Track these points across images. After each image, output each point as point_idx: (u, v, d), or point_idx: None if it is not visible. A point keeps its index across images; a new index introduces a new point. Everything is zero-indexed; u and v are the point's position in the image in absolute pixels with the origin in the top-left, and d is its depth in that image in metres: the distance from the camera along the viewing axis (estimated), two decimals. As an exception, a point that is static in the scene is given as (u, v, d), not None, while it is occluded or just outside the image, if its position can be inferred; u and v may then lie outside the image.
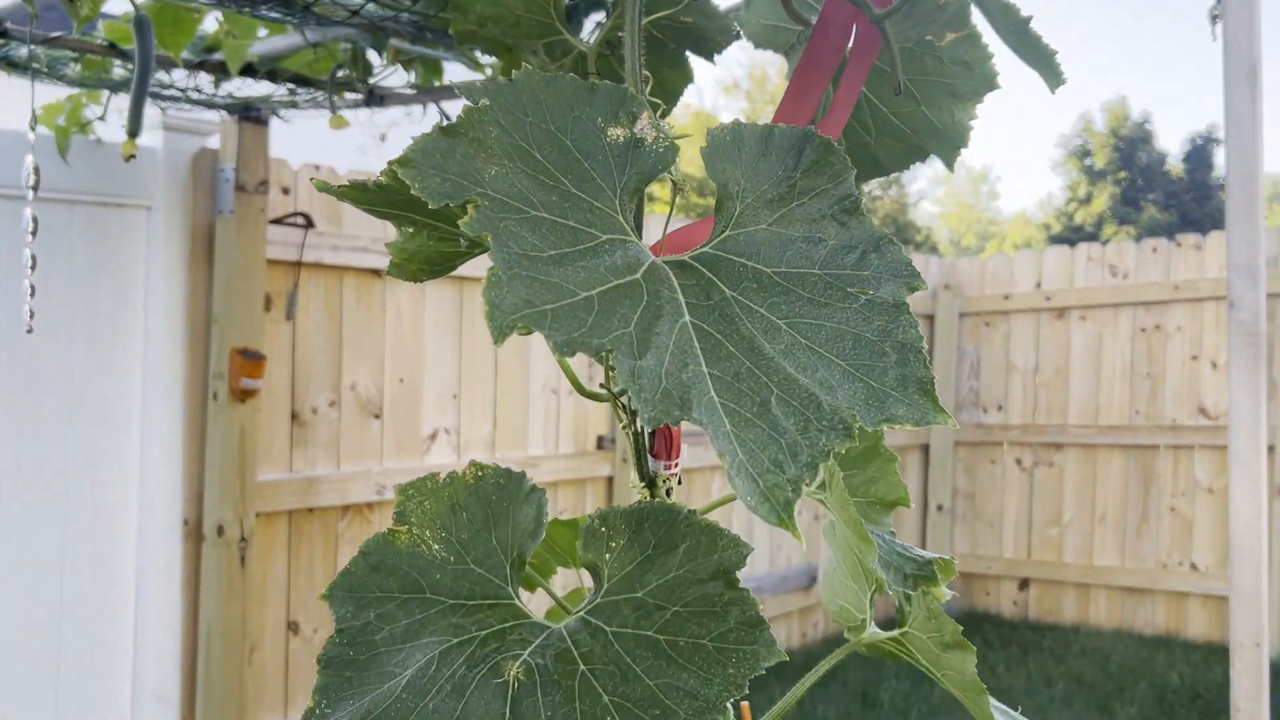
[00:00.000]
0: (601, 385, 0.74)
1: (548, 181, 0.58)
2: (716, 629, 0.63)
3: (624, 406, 0.76)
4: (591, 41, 0.85)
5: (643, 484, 0.75)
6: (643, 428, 0.75)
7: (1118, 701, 4.91)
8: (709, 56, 0.90)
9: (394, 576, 0.69)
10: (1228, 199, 1.71)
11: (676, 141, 0.61)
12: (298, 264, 3.30)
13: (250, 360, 2.99)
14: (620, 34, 0.87)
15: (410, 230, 0.76)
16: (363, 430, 3.59)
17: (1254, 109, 1.67)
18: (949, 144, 0.92)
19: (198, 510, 3.07)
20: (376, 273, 3.58)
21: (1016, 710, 0.86)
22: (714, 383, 0.53)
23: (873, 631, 0.84)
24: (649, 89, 0.82)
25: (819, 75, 0.87)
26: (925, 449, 6.61)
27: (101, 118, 2.77)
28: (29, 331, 1.84)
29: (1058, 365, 6.31)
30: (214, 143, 3.10)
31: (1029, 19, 0.74)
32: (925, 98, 0.91)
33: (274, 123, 3.08)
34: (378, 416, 3.64)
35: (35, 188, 1.80)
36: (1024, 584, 6.40)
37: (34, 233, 1.78)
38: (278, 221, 3.21)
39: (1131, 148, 24.34)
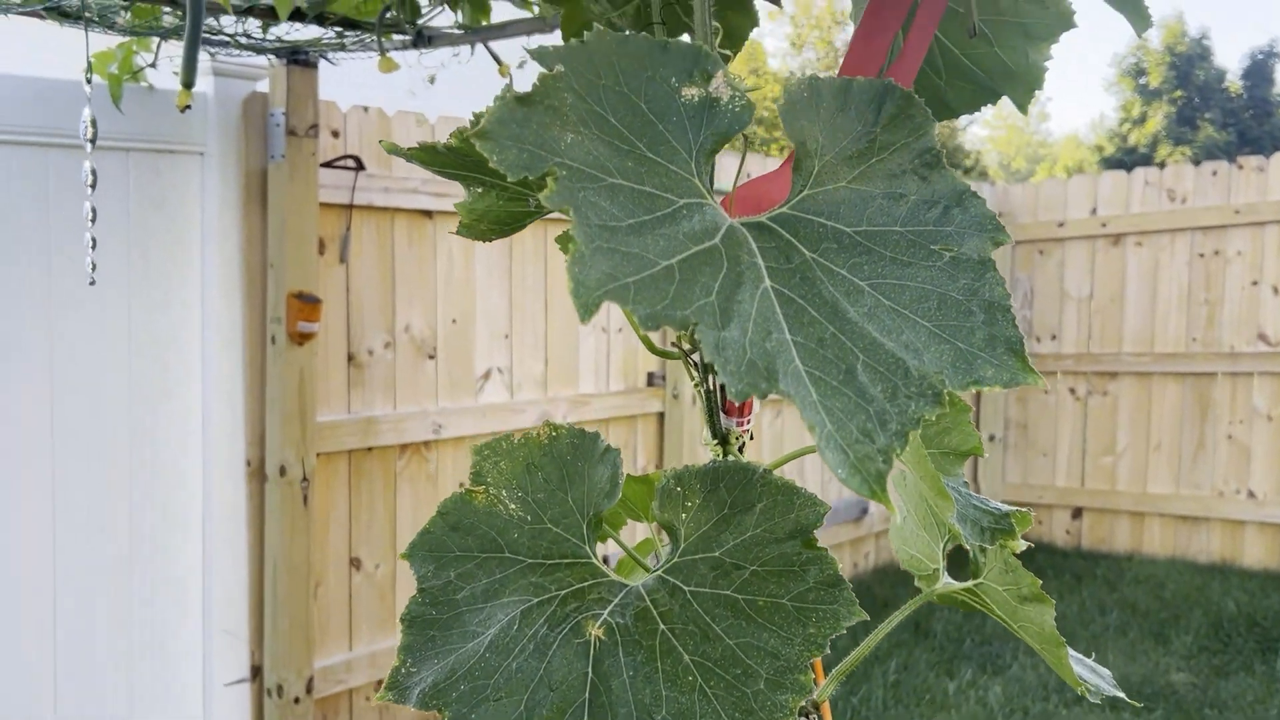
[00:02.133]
0: (673, 344, 0.74)
1: (623, 146, 0.57)
2: (795, 588, 0.63)
3: (695, 364, 0.75)
4: (653, -11, 0.84)
5: (715, 441, 0.75)
6: (716, 385, 0.75)
7: (1172, 630, 4.90)
8: (777, 1, 0.88)
9: (472, 536, 0.70)
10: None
11: (752, 99, 0.60)
12: (349, 207, 3.31)
13: (307, 304, 3.02)
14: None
15: (479, 190, 0.76)
16: (417, 370, 3.62)
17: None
18: (1023, 86, 0.89)
19: (260, 451, 3.13)
20: (427, 214, 3.59)
21: (1081, 651, 0.86)
22: (798, 350, 0.53)
23: (946, 582, 0.84)
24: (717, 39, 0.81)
25: (890, 18, 0.85)
26: (977, 379, 6.54)
27: (153, 64, 2.77)
28: (91, 284, 1.87)
29: (1113, 293, 6.20)
30: (264, 87, 3.10)
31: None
32: (998, 38, 0.88)
33: (322, 65, 3.07)
34: (432, 357, 3.67)
35: (93, 140, 1.81)
36: (1077, 513, 6.36)
37: (93, 185, 1.80)
38: (328, 165, 3.22)
39: (1188, 65, 23.60)
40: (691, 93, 0.60)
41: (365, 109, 3.40)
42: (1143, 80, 24.33)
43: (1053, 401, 6.45)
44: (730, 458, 0.74)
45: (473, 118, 0.70)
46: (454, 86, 2.84)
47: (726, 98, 0.60)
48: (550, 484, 0.71)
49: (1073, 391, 6.38)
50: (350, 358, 3.41)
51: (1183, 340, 5.97)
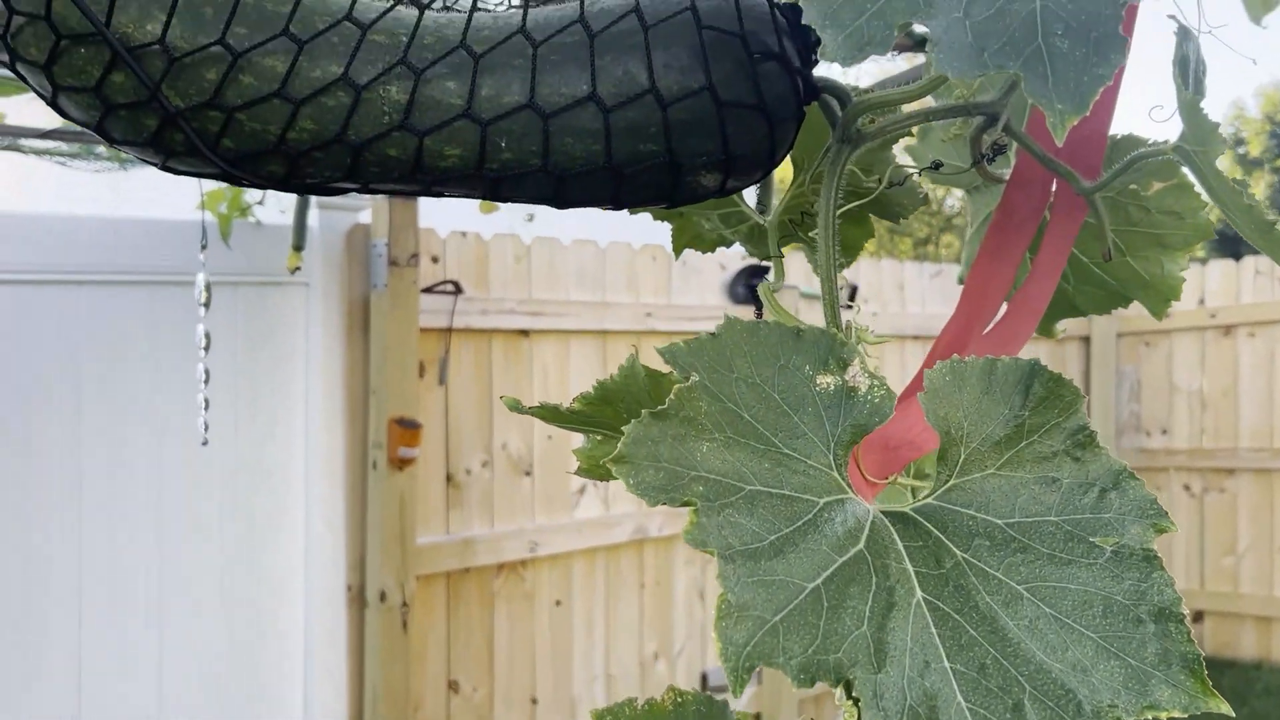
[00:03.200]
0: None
1: (759, 446, 0.55)
2: None
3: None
4: (770, 216, 0.82)
5: None
6: None
7: (1311, 750, 4.59)
8: (895, 220, 0.86)
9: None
10: None
11: (891, 390, 0.57)
12: (448, 330, 3.36)
13: (407, 429, 3.06)
14: (799, 203, 0.83)
15: (598, 438, 0.75)
16: (514, 488, 3.63)
17: None
18: (1158, 296, 0.85)
19: (360, 577, 3.15)
20: (523, 333, 3.63)
21: None
22: (959, 682, 0.49)
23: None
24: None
25: (1016, 236, 0.82)
26: (1084, 476, 6.33)
27: (260, 202, 2.87)
28: (204, 444, 1.92)
29: (1225, 386, 5.97)
30: (366, 218, 3.18)
31: (1253, 204, 0.67)
32: (1130, 247, 0.85)
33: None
34: (528, 474, 3.67)
35: (207, 304, 1.88)
36: (1198, 617, 6.06)
37: (206, 348, 1.86)
38: (428, 290, 3.28)
39: (1291, 134, 23.00)
40: (827, 381, 0.58)
41: (464, 234, 3.46)
42: (1242, 150, 23.78)
43: (1166, 499, 6.19)
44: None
45: (595, 386, 0.69)
46: (549, 213, 2.88)
47: (865, 387, 0.57)
48: (678, 755, 0.68)
49: (1187, 488, 6.12)
50: (449, 478, 3.43)
51: (1304, 434, 5.71)
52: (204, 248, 1.93)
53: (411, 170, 0.63)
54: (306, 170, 0.63)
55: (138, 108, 0.60)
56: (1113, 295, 0.89)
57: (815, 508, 0.55)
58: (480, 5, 0.75)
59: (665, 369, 0.64)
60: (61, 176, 2.79)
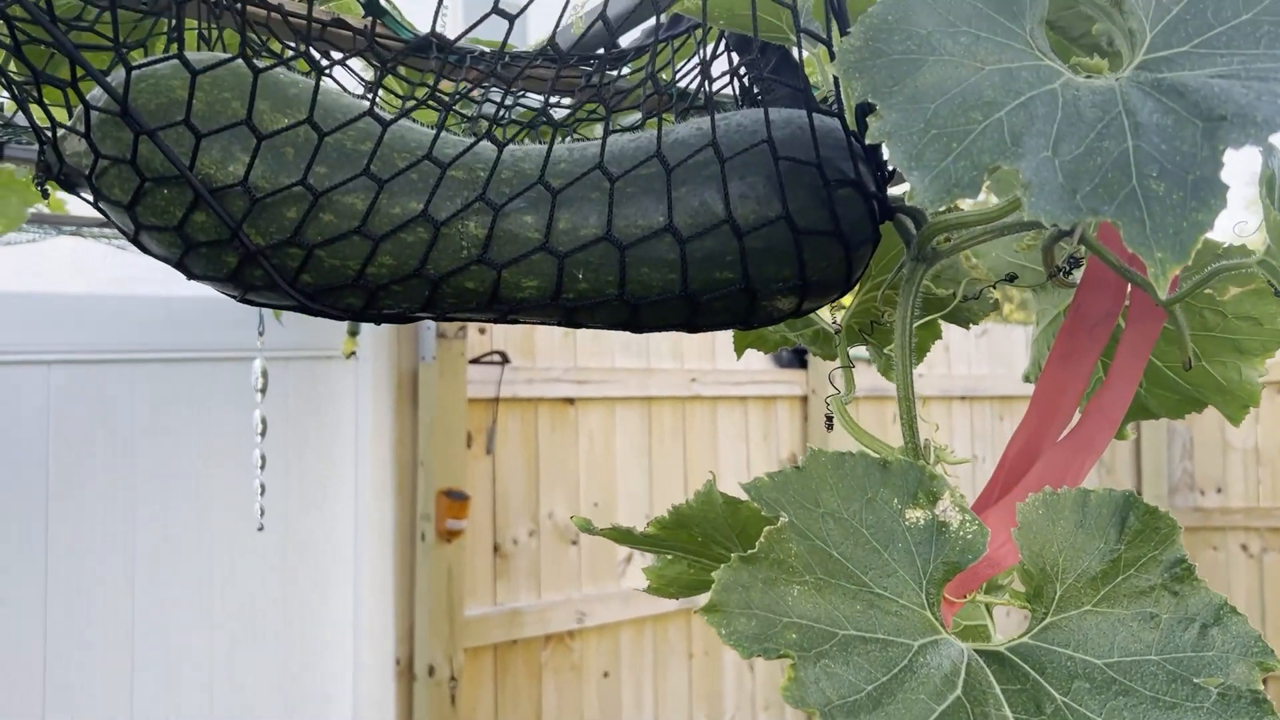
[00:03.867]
0: None
1: (850, 586, 0.54)
2: None
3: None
4: (839, 321, 0.82)
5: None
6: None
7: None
8: (966, 325, 0.85)
9: None
10: None
11: (983, 525, 0.56)
12: (495, 400, 3.37)
13: (455, 501, 3.05)
14: (866, 310, 0.83)
15: (669, 558, 0.73)
16: (561, 557, 3.61)
17: None
18: (1235, 401, 0.83)
19: (409, 649, 3.13)
20: (569, 401, 3.63)
21: None
22: (1067, 846, 0.47)
23: None
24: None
25: (1089, 341, 0.80)
26: (1138, 536, 6.20)
27: (311, 278, 2.91)
28: (260, 529, 1.93)
29: (1281, 442, 5.85)
30: (413, 291, 3.21)
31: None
32: (1205, 352, 0.83)
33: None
34: (574, 543, 3.65)
35: (263, 390, 1.90)
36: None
37: (263, 433, 1.88)
38: (476, 361, 3.29)
39: (1336, 182, 22.71)
40: (916, 516, 0.56)
41: (509, 304, 3.48)
42: (1286, 200, 23.49)
43: (1223, 559, 6.04)
44: None
45: (670, 511, 0.68)
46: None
47: (956, 523, 0.56)
48: None
49: (1245, 548, 5.98)
50: (496, 548, 3.42)
51: (1365, 491, 5.56)
52: (261, 334, 1.95)
53: (488, 301, 0.63)
54: (384, 302, 0.63)
55: (219, 246, 0.61)
56: (1188, 400, 0.87)
57: (910, 651, 0.53)
58: (546, 117, 0.76)
59: (742, 495, 0.63)
60: (116, 257, 2.85)
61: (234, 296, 0.65)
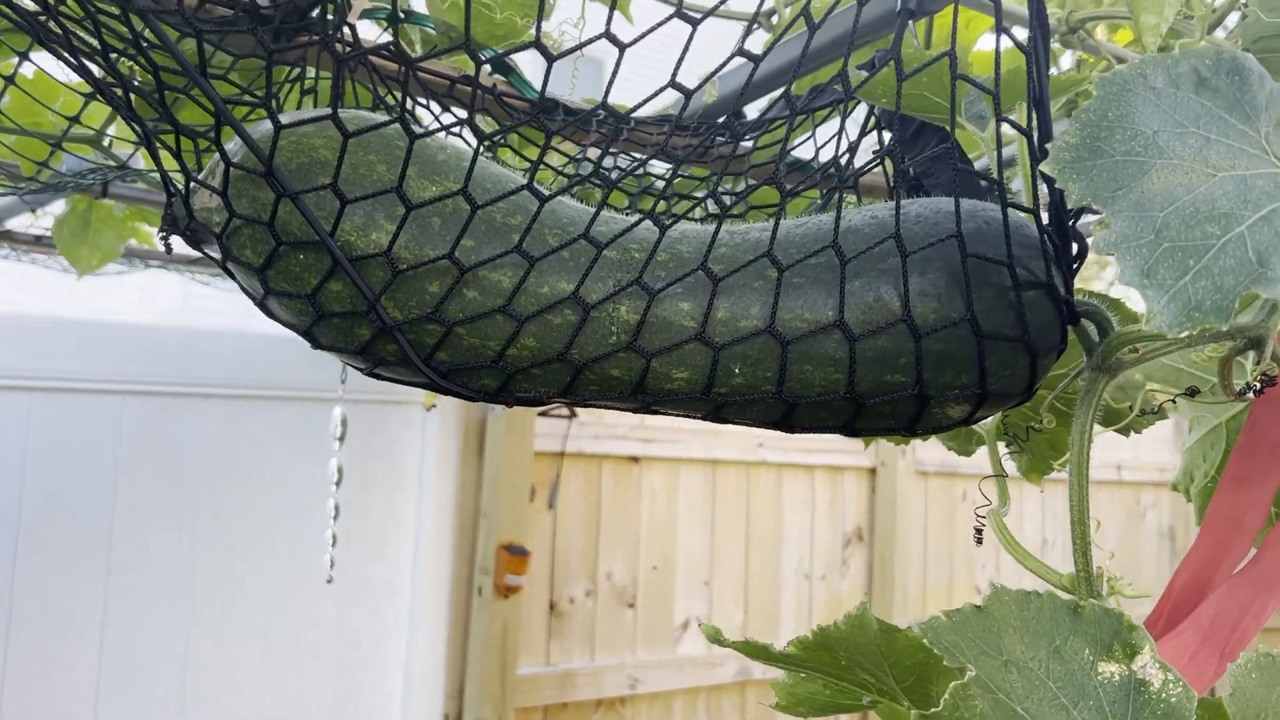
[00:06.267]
0: None
1: (1041, 750, 0.47)
2: None
3: None
4: (989, 424, 0.76)
5: None
6: None
7: None
8: (1127, 434, 0.78)
9: None
10: None
11: (1191, 689, 0.49)
12: (561, 454, 3.33)
13: (515, 556, 3.00)
14: (1021, 413, 0.77)
15: (803, 676, 0.67)
16: (617, 619, 3.53)
17: None
18: None
19: (458, 706, 3.07)
20: (634, 459, 3.57)
21: None
22: None
23: None
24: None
25: (1269, 463, 0.74)
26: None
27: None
28: (329, 581, 1.90)
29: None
30: (487, 340, 3.19)
31: None
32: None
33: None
34: (631, 605, 3.57)
35: (341, 439, 1.88)
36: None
37: (338, 483, 1.85)
38: (544, 413, 3.26)
39: None
40: (1111, 671, 0.50)
41: (581, 358, 3.45)
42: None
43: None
44: None
45: (815, 632, 0.62)
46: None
47: (1158, 683, 0.49)
48: None
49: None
50: (552, 606, 3.36)
51: None
52: (344, 381, 1.93)
53: (633, 390, 0.58)
54: (520, 385, 0.58)
55: (353, 317, 0.56)
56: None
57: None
58: (704, 198, 0.71)
59: (896, 623, 0.57)
60: (185, 287, 2.86)
61: (360, 370, 0.60)
